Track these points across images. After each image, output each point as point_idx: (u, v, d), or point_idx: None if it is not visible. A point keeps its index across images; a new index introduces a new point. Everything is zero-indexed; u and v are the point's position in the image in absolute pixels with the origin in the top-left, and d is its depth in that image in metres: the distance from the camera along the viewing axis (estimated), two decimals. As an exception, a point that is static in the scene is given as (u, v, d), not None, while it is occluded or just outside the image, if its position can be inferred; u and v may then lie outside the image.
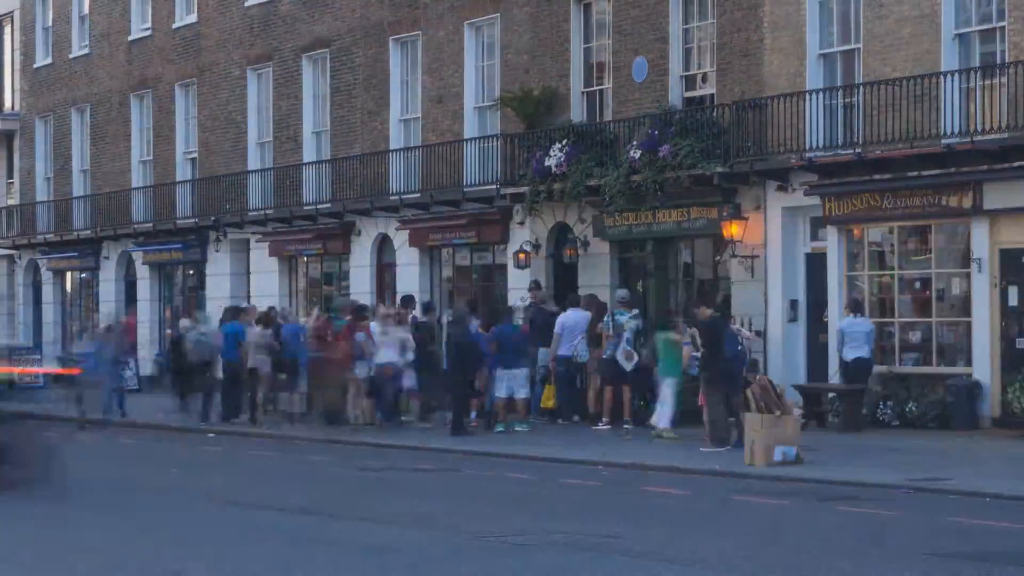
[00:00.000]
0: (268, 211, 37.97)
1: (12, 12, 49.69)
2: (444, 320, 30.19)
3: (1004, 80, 23.77)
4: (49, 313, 47.33)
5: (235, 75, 40.05)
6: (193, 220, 40.53)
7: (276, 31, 38.65)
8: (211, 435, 28.27)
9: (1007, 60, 23.94)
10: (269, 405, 30.30)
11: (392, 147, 35.00)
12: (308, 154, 37.63)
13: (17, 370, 23.54)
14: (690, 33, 29.29)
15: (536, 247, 31.46)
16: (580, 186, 29.49)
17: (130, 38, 44.09)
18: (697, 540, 14.42)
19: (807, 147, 26.11)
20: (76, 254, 46.02)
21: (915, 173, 25.03)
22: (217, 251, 40.55)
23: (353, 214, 35.74)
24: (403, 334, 27.45)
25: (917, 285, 26.13)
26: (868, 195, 25.72)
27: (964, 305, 25.13)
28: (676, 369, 23.97)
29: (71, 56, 46.78)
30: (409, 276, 34.59)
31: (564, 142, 29.82)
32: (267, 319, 30.22)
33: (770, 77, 27.24)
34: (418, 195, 33.67)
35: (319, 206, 36.29)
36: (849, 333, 25.27)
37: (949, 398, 24.49)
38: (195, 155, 41.68)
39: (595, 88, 31.06)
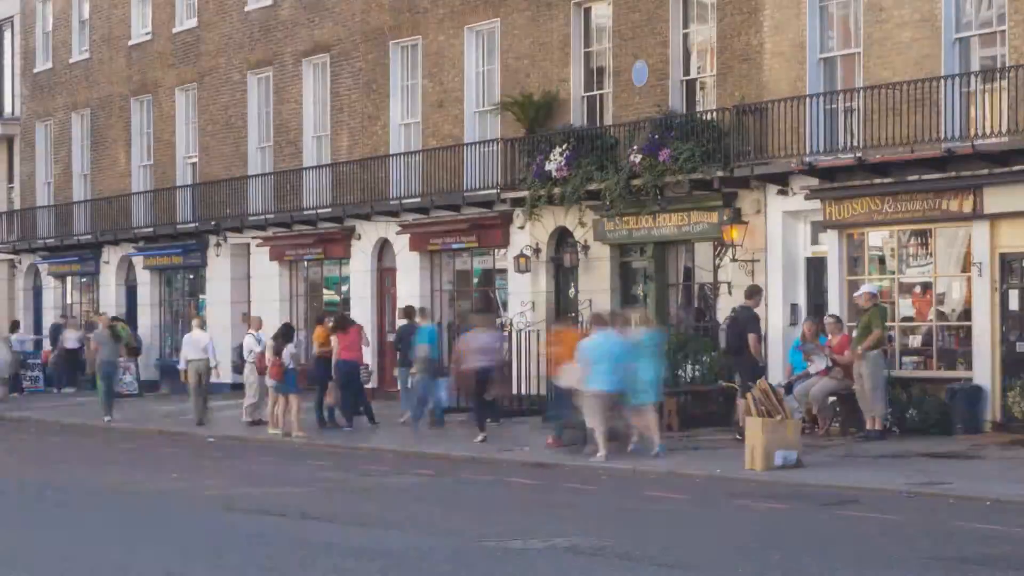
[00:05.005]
0: (268, 215, 37.95)
1: (12, 17, 49.67)
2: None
3: (1004, 84, 23.74)
4: (49, 318, 47.27)
5: (235, 79, 40.05)
6: (193, 224, 40.53)
7: (276, 36, 38.65)
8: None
9: (1007, 64, 23.91)
10: None
11: (392, 151, 35.00)
12: (308, 158, 37.62)
13: None
14: (690, 37, 29.29)
15: (536, 251, 31.46)
16: (580, 190, 29.49)
17: (130, 42, 44.08)
18: (697, 545, 14.42)
19: (807, 151, 26.09)
20: (76, 258, 46.01)
21: (915, 177, 25.01)
22: (217, 255, 40.52)
23: (353, 218, 35.74)
24: None
25: (917, 289, 26.12)
26: (868, 199, 25.70)
27: (964, 309, 25.11)
28: None
29: (71, 60, 46.76)
30: (409, 280, 34.58)
31: (564, 146, 29.81)
32: None
33: (770, 81, 27.24)
34: (418, 199, 33.67)
35: (319, 210, 36.29)
36: None
37: (950, 402, 24.46)
38: (195, 159, 41.68)
39: (595, 92, 31.05)
